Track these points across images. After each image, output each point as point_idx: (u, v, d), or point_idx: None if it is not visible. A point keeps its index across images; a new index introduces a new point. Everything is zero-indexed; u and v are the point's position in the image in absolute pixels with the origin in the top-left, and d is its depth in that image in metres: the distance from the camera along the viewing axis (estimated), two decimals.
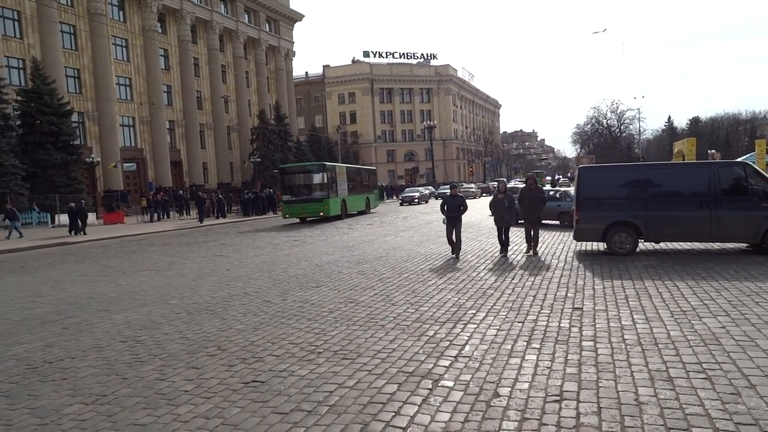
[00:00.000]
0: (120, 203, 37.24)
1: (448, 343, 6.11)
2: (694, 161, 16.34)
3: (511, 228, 13.38)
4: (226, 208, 37.66)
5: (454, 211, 12.52)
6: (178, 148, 51.04)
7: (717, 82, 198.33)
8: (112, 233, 25.71)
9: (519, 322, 6.79)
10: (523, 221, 13.09)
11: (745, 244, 11.81)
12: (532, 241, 12.62)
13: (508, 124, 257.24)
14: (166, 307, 8.73)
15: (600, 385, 4.70)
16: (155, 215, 34.25)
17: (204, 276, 11.83)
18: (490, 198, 13.26)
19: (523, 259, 11.96)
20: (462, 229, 12.97)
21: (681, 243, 12.81)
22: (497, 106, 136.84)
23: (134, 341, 6.82)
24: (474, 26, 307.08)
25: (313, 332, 6.81)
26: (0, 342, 7.15)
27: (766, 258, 10.63)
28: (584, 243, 14.04)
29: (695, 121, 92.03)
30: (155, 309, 8.65)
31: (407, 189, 53.12)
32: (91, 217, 33.15)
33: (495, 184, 63.82)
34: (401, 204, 45.02)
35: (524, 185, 13.72)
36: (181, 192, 40.01)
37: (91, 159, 38.47)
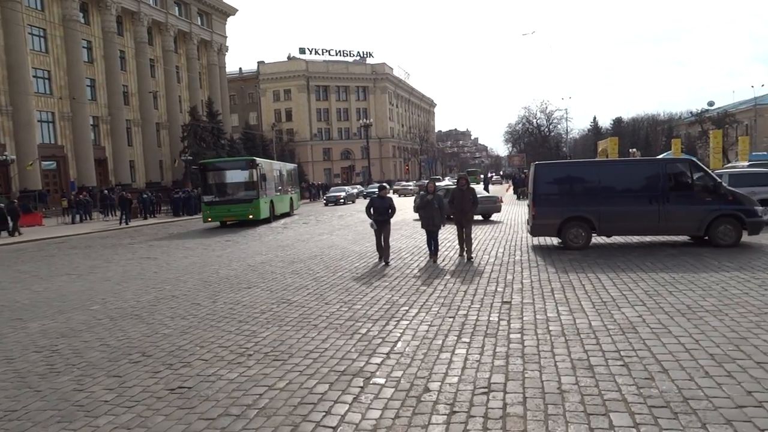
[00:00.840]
0: (38, 204, 35.15)
1: (380, 340, 6.13)
2: (644, 158, 16.75)
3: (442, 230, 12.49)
4: (153, 208, 36.29)
5: (382, 214, 11.53)
6: (103, 146, 48.64)
7: (639, 84, 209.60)
8: (30, 236, 24.23)
9: (450, 318, 6.90)
10: (456, 222, 12.09)
11: (687, 237, 12.39)
12: (464, 244, 11.79)
13: (442, 122, 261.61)
14: (86, 314, 8.30)
15: (526, 375, 4.84)
16: (77, 216, 32.53)
17: (129, 279, 11.34)
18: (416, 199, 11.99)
19: (456, 262, 11.45)
20: (391, 233, 11.97)
21: (625, 237, 13.37)
22: (432, 105, 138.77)
23: (50, 351, 6.44)
24: (410, 26, 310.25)
25: (243, 334, 6.66)
26: None
27: (680, 250, 11.29)
28: (514, 238, 14.47)
29: (618, 121, 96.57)
30: (75, 316, 8.21)
31: (332, 189, 51.17)
32: None
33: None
34: (326, 204, 42.48)
35: (455, 185, 12.83)
36: (106, 191, 38.05)
37: (4, 157, 35.99)
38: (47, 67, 43.41)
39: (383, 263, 11.41)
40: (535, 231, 12.64)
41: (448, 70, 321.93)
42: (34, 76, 41.73)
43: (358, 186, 60.58)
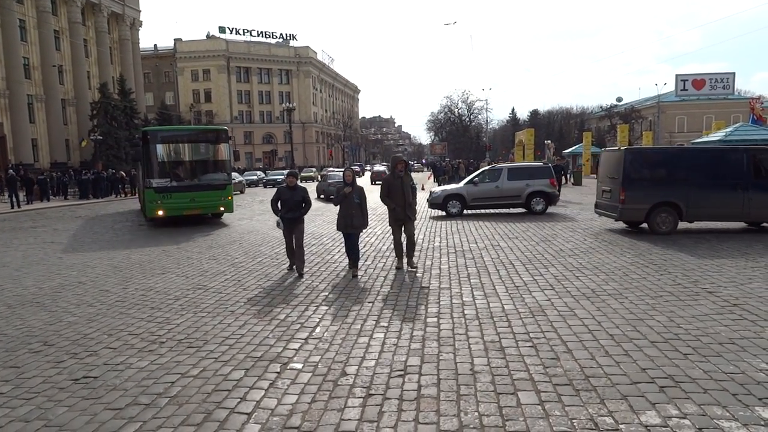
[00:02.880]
0: None
1: (299, 326, 6.10)
2: (731, 146, 16.71)
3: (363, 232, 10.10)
4: (58, 190, 34.00)
5: (292, 209, 8.75)
6: (1, 122, 44.99)
7: (556, 78, 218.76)
8: None
9: (369, 303, 6.97)
10: (393, 221, 9.06)
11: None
12: (405, 249, 9.07)
13: (366, 109, 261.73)
14: None
15: (441, 358, 4.98)
16: None
17: (30, 265, 10.61)
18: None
19: (391, 276, 8.51)
20: (305, 235, 9.59)
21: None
22: (356, 91, 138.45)
23: None
24: (334, 10, 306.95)
25: (155, 321, 6.43)
26: None
27: (596, 238, 11.95)
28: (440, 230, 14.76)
29: (534, 114, 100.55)
30: None
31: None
32: None
33: (378, 166, 60.12)
34: None
35: (389, 173, 9.54)
36: (11, 171, 34.68)
37: None
38: None
39: (296, 274, 8.78)
40: (623, 215, 12.46)
41: (373, 57, 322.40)
42: None
43: (258, 172, 52.83)
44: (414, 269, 8.87)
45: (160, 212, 16.34)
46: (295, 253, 8.97)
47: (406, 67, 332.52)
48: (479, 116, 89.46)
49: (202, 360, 5.13)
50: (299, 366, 4.91)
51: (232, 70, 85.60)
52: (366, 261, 9.80)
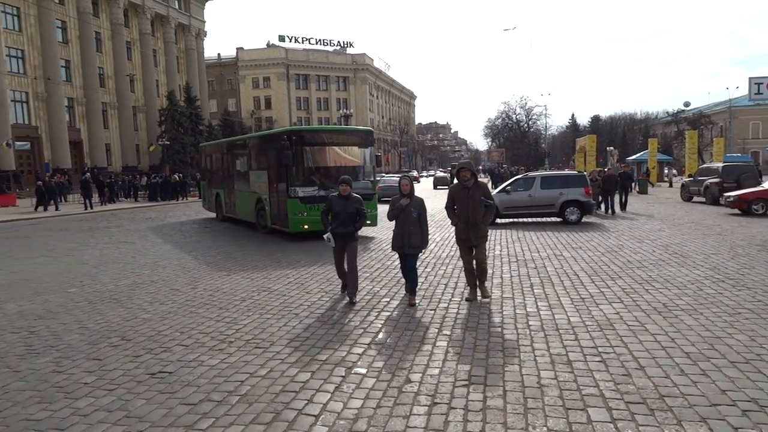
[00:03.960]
0: (12, 185, 34.31)
1: (362, 330, 6.16)
2: None
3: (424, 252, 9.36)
4: (123, 192, 35.63)
5: (344, 223, 7.48)
6: (78, 128, 47.64)
7: (619, 83, 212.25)
8: (5, 217, 23.70)
9: (431, 310, 6.96)
10: (459, 240, 7.56)
11: None
12: (479, 277, 7.50)
13: (422, 115, 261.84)
14: (64, 296, 8.19)
15: (506, 369, 4.92)
16: (45, 202, 31.38)
17: (107, 263, 11.18)
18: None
19: (464, 311, 6.89)
20: (358, 254, 7.98)
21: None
22: (413, 97, 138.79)
23: (28, 332, 6.35)
24: (391, 17, 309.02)
25: (224, 321, 6.64)
26: None
27: (666, 250, 11.51)
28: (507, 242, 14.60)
29: (596, 119, 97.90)
30: (52, 298, 8.09)
31: None
32: None
33: (439, 172, 56.88)
34: None
35: (455, 182, 7.74)
36: (88, 174, 36.49)
37: None
38: (21, 47, 42.34)
39: (348, 299, 7.54)
40: None
41: (429, 63, 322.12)
42: (7, 55, 40.68)
43: None
44: (488, 299, 7.40)
45: (306, 226, 13.75)
46: (347, 276, 7.64)
47: (463, 73, 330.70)
48: (538, 122, 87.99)
49: (269, 361, 5.26)
50: (363, 371, 4.96)
51: (291, 77, 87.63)
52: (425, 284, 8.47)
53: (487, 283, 7.86)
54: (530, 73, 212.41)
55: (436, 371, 4.91)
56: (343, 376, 4.84)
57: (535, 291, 7.86)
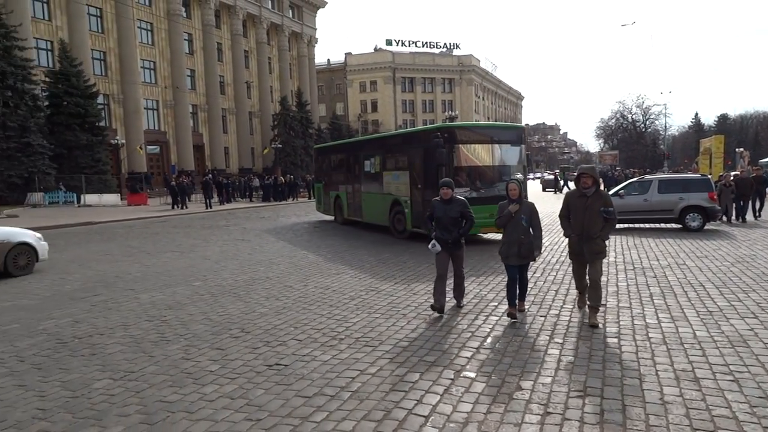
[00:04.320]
0: (143, 185, 37.70)
1: (470, 334, 6.11)
2: None
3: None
4: (240, 192, 37.90)
5: (448, 229, 6.99)
6: (201, 133, 51.46)
7: (750, 78, 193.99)
8: (136, 214, 26.09)
9: (541, 317, 6.76)
10: (572, 254, 6.84)
11: None
12: (587, 291, 6.71)
13: (530, 116, 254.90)
14: (190, 288, 8.86)
15: (624, 382, 4.67)
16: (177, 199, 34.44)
17: (226, 259, 11.96)
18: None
19: (575, 319, 6.58)
20: (465, 260, 7.43)
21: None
22: (520, 97, 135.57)
23: (160, 321, 6.94)
24: (498, 16, 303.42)
25: (334, 318, 6.86)
26: (31, 317, 7.33)
27: None
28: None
29: (723, 118, 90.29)
30: (179, 290, 8.79)
31: None
32: (115, 198, 33.73)
33: (547, 174, 53.94)
34: None
35: (572, 189, 6.84)
36: (210, 176, 39.40)
37: (116, 141, 38.98)
38: (153, 59, 46.42)
39: (457, 304, 7.30)
40: None
41: (538, 62, 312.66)
42: (141, 67, 44.76)
43: None
44: (594, 326, 6.25)
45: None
46: (455, 283, 7.30)
47: (574, 71, 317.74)
48: (656, 122, 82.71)
49: (379, 359, 5.36)
50: (473, 375, 4.92)
51: (397, 80, 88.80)
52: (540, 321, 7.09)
53: (600, 297, 7.25)
54: (649, 70, 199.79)
55: (548, 380, 4.76)
56: (452, 379, 4.82)
57: (655, 301, 7.38)
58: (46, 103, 34.18)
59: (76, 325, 6.86)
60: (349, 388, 4.66)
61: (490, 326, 6.40)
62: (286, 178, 39.65)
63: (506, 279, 6.84)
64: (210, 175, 35.30)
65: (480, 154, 13.62)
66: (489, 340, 5.90)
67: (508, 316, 6.68)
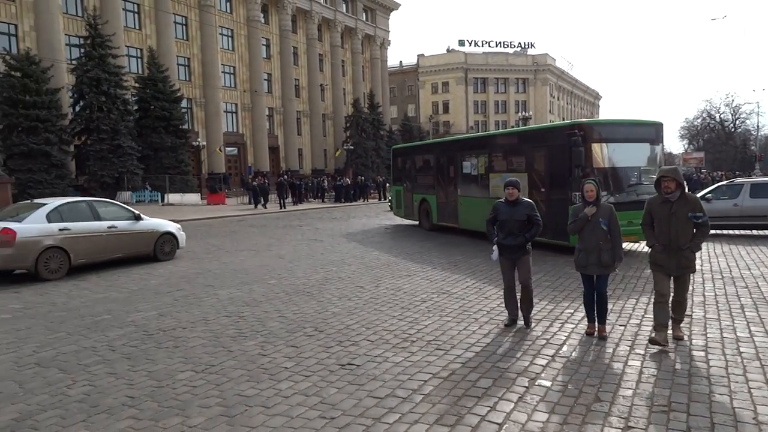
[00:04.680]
0: (222, 185, 39.31)
1: (544, 341, 5.96)
2: None
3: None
4: (312, 193, 38.76)
5: (513, 233, 6.38)
6: (276, 135, 53.04)
7: None
8: (215, 213, 27.24)
9: (621, 326, 6.49)
10: (654, 264, 5.84)
11: None
12: (674, 313, 5.87)
13: (607, 116, 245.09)
14: (265, 287, 9.15)
15: (712, 399, 4.40)
16: (253, 199, 35.76)
17: (300, 258, 12.25)
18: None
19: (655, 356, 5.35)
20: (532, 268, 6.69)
21: None
22: (597, 97, 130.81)
23: (237, 317, 7.20)
24: (576, 12, 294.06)
25: (405, 320, 6.88)
26: (121, 309, 7.81)
27: None
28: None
29: None
30: (256, 287, 9.09)
31: None
32: (195, 197, 35.37)
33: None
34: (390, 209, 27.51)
35: (655, 194, 5.93)
36: (285, 177, 40.30)
37: (197, 143, 40.88)
38: (233, 63, 48.33)
39: (523, 323, 6.61)
40: None
41: (617, 60, 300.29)
42: (222, 72, 46.69)
43: None
44: (679, 338, 5.80)
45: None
46: (521, 295, 6.61)
47: (656, 69, 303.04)
48: (747, 121, 77.40)
49: (451, 363, 5.32)
50: (548, 383, 4.78)
51: (469, 81, 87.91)
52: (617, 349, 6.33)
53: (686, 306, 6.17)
54: (740, 67, 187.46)
55: (629, 392, 4.56)
56: (526, 387, 4.72)
57: (746, 313, 6.91)
58: (135, 108, 36.32)
59: (161, 318, 7.25)
60: (421, 391, 4.66)
61: (566, 334, 6.21)
62: (357, 179, 40.15)
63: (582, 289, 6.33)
64: (285, 176, 36.35)
65: (619, 154, 12.08)
66: (565, 348, 5.73)
67: (588, 335, 6.12)
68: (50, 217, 10.53)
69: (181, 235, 12.97)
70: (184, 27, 43.98)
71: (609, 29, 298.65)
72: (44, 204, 10.95)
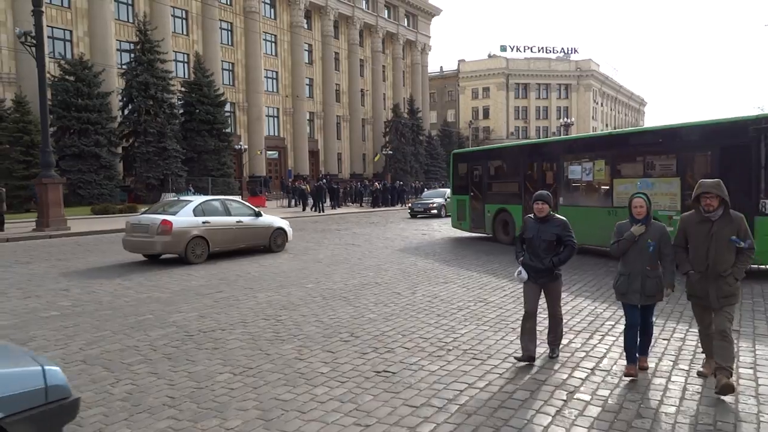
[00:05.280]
0: (263, 188, 40.00)
1: (583, 354, 5.83)
2: None
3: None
4: (351, 197, 39.04)
5: (539, 255, 5.52)
6: (316, 139, 53.69)
7: None
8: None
9: (664, 340, 6.30)
10: (692, 297, 5.08)
11: None
12: (716, 356, 4.71)
13: (653, 122, 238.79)
14: (302, 290, 9.24)
15: (761, 419, 4.22)
16: (292, 201, 36.34)
17: (337, 263, 12.34)
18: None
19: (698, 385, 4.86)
20: (561, 296, 5.94)
21: None
22: (642, 103, 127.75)
23: (275, 320, 7.30)
24: (621, 17, 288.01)
25: (442, 328, 6.83)
26: (163, 309, 8.01)
27: None
28: None
29: None
30: (293, 291, 9.20)
31: (425, 193, 35.09)
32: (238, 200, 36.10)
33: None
34: (411, 216, 28.74)
35: (690, 211, 5.06)
36: (324, 181, 40.86)
37: (239, 146, 41.73)
38: (275, 69, 49.20)
39: (550, 354, 5.77)
40: None
41: (664, 65, 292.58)
42: (265, 77, 47.62)
43: None
44: (730, 389, 4.52)
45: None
46: (549, 325, 5.84)
47: (705, 75, 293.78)
48: None
49: (487, 374, 5.26)
50: (587, 397, 4.68)
51: (510, 86, 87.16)
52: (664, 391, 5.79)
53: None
54: None
55: (672, 409, 4.41)
56: (564, 400, 4.62)
57: None
58: (181, 111, 37.35)
59: (201, 319, 7.40)
60: (456, 401, 4.62)
61: (607, 346, 6.06)
62: (376, 184, 40.20)
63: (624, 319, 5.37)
64: (324, 180, 36.75)
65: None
66: (605, 361, 5.59)
67: (626, 376, 5.10)
68: (196, 212, 12.59)
69: (289, 230, 14.87)
70: (229, 33, 45.03)
71: (655, 34, 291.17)
72: (190, 201, 13.05)
